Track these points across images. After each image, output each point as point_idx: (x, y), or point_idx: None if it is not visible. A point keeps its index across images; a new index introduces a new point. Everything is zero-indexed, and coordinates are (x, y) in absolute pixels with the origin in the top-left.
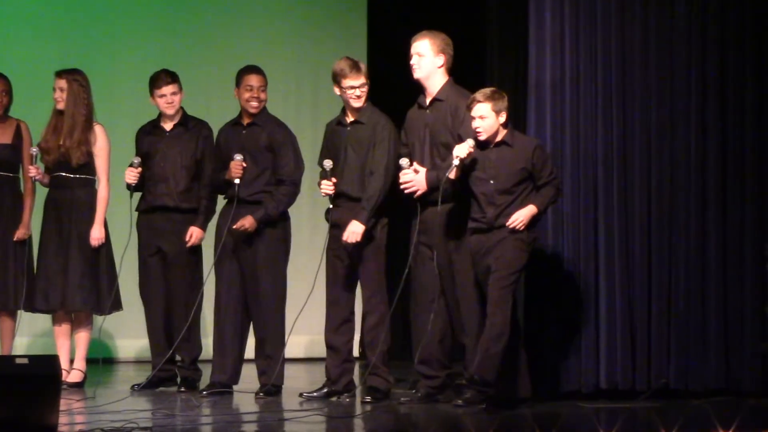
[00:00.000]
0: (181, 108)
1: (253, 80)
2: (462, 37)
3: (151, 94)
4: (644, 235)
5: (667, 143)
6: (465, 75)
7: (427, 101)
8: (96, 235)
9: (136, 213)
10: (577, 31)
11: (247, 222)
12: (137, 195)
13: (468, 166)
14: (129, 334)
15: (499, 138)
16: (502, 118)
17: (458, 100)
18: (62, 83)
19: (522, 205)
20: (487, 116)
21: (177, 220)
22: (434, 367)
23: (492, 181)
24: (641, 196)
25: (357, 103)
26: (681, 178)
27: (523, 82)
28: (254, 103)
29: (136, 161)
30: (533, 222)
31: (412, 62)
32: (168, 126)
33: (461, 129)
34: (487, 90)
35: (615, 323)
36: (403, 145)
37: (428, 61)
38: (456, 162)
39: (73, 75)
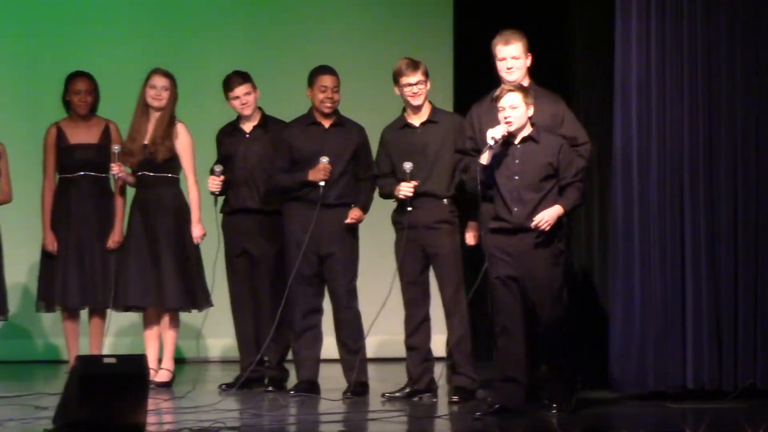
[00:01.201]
0: (260, 108)
1: (328, 81)
2: (547, 36)
3: (226, 97)
4: (731, 235)
5: (753, 141)
6: (550, 75)
7: None
8: (197, 234)
9: (221, 215)
10: (663, 30)
11: (360, 213)
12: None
13: (498, 157)
14: (214, 333)
15: (527, 133)
16: (531, 111)
17: (556, 105)
18: (166, 82)
19: (550, 205)
20: (518, 106)
21: (261, 222)
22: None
23: (517, 177)
24: (727, 195)
25: (415, 101)
26: (767, 176)
27: (609, 82)
28: (328, 104)
29: (217, 169)
30: (559, 226)
31: (508, 66)
32: (247, 127)
33: (564, 129)
34: (516, 82)
35: (702, 323)
36: (469, 138)
37: (522, 62)
38: (491, 142)
39: (173, 76)
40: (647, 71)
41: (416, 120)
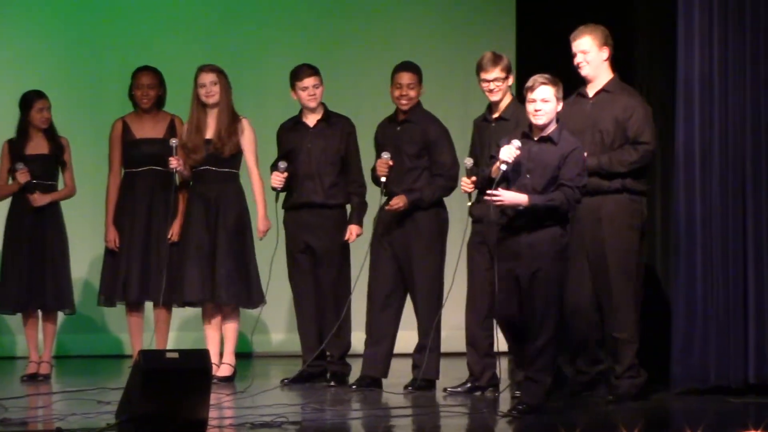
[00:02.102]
0: (323, 103)
1: (403, 78)
2: (610, 31)
3: (293, 87)
4: None
5: None
6: (615, 70)
7: (591, 92)
8: (264, 228)
9: (283, 210)
10: (725, 25)
11: (400, 200)
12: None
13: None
14: (274, 328)
15: (547, 132)
16: (560, 106)
17: (631, 99)
18: (213, 77)
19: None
20: (550, 100)
21: (325, 216)
22: (585, 362)
23: (528, 175)
24: None
25: (493, 97)
26: None
27: (672, 79)
28: (404, 101)
29: (282, 166)
30: (564, 218)
31: (577, 61)
32: (311, 122)
33: (630, 123)
34: (549, 75)
35: (764, 318)
36: None
37: (594, 56)
38: (503, 167)
39: (220, 69)
40: (710, 68)
41: (492, 114)
